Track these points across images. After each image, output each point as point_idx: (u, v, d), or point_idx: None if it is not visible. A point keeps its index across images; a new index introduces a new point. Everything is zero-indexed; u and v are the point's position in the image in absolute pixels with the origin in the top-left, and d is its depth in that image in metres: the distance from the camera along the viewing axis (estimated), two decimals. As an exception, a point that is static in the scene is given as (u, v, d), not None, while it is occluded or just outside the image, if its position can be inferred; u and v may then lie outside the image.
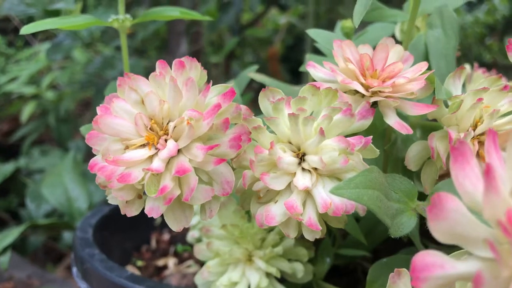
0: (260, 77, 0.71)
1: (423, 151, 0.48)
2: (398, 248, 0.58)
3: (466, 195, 0.32)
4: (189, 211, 0.41)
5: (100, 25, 0.61)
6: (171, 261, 0.75)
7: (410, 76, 0.44)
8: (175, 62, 0.41)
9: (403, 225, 0.44)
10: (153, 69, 0.42)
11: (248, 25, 1.69)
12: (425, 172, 0.48)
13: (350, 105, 0.42)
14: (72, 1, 1.06)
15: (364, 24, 0.80)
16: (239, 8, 1.48)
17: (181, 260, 0.76)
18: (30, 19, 1.25)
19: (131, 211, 0.41)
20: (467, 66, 0.72)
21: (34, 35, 1.77)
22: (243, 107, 0.43)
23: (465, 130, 0.46)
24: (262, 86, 0.81)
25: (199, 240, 0.68)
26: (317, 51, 0.83)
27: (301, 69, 0.70)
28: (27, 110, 1.49)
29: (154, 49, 1.85)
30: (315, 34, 0.56)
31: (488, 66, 0.83)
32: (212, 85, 0.42)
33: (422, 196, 0.47)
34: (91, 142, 0.41)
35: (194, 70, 0.42)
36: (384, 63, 0.47)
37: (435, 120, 0.49)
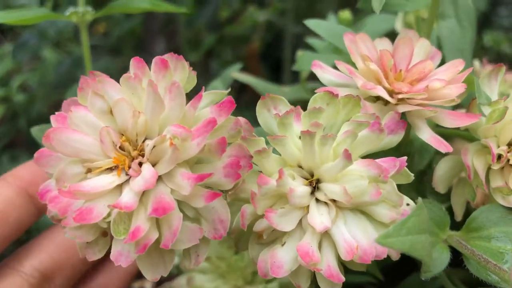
0: (245, 77, 0.59)
1: (453, 169, 0.37)
2: (405, 271, 0.48)
3: None
4: (169, 256, 0.29)
5: (55, 19, 0.48)
6: (147, 284, 0.63)
7: (447, 78, 0.33)
8: (155, 60, 0.29)
9: (435, 262, 0.33)
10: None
11: (227, 22, 1.57)
12: (456, 194, 0.37)
13: (378, 117, 0.30)
14: (35, -3, 0.91)
15: (360, 15, 0.69)
16: (216, 5, 1.36)
17: (159, 281, 0.64)
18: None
19: (93, 254, 0.29)
20: (477, 63, 0.61)
21: (3, 34, 1.60)
22: (242, 121, 0.31)
23: (506, 142, 0.35)
24: (243, 84, 0.70)
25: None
26: (301, 47, 0.71)
27: (294, 68, 0.59)
28: (-5, 114, 1.32)
29: (130, 48, 1.71)
30: (314, 25, 0.44)
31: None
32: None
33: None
34: (41, 163, 0.29)
35: (181, 71, 0.30)
36: (408, 61, 0.36)
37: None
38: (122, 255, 0.28)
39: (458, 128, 0.36)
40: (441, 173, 0.37)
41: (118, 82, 0.29)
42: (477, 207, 0.35)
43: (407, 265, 0.44)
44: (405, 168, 0.30)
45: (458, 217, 0.37)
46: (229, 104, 0.28)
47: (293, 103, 0.62)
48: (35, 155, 0.29)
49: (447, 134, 0.42)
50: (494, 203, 0.35)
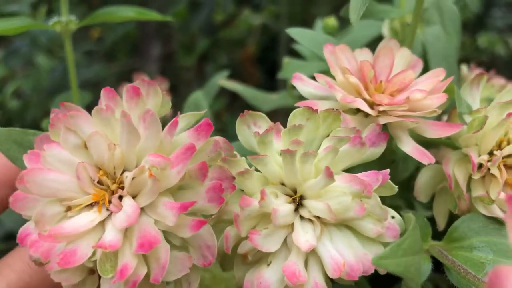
0: (232, 85, 0.58)
1: (434, 178, 0.36)
2: (392, 280, 0.47)
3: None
4: None
5: (39, 28, 0.47)
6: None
7: (427, 88, 0.32)
8: (126, 88, 0.28)
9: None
10: (125, 76, 0.29)
11: (221, 26, 1.56)
12: (438, 204, 0.37)
13: (358, 131, 0.29)
14: (27, 4, 0.90)
15: (346, 22, 0.68)
16: (210, 9, 1.34)
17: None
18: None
19: (81, 293, 0.28)
20: (465, 68, 0.61)
21: (-2, 40, 1.58)
22: (221, 141, 0.30)
23: (487, 151, 0.34)
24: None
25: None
26: (293, 53, 0.70)
27: (280, 76, 0.58)
28: (-11, 120, 1.32)
29: (125, 53, 1.69)
30: (297, 34, 0.44)
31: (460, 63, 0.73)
32: (184, 91, 0.29)
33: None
34: (17, 206, 0.27)
35: (153, 97, 0.29)
36: (389, 72, 0.35)
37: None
38: None
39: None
40: (423, 182, 0.36)
41: (115, 89, 0.28)
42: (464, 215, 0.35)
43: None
44: (389, 180, 0.29)
45: (441, 226, 0.37)
46: (206, 127, 0.27)
47: (282, 110, 0.61)
48: (10, 199, 0.28)
49: (432, 142, 0.41)
50: (475, 212, 0.34)
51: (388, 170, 0.29)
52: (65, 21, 0.49)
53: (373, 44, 0.52)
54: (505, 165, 0.34)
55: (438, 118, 0.40)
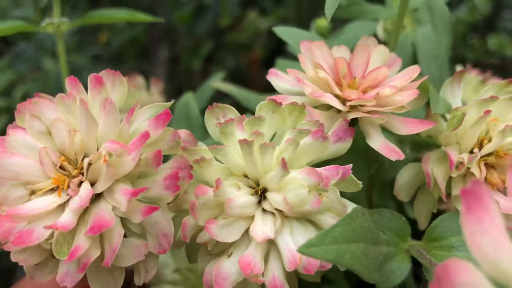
0: (226, 87, 0.60)
1: (416, 177, 0.37)
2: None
3: (486, 260, 0.21)
4: (119, 273, 0.30)
5: (31, 30, 0.50)
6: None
7: (398, 85, 0.33)
8: (90, 77, 0.30)
9: (394, 273, 0.32)
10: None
11: (228, 29, 1.59)
12: (419, 203, 0.37)
13: (321, 124, 0.30)
14: (32, 8, 0.94)
15: (342, 23, 0.69)
16: (215, 13, 1.37)
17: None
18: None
19: (43, 276, 0.30)
20: (460, 69, 0.61)
21: (7, 45, 1.64)
22: (184, 133, 0.31)
23: (468, 150, 0.35)
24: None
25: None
26: (295, 57, 0.71)
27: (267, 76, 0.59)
28: (-1, 125, 1.36)
29: (132, 56, 1.74)
30: (283, 33, 0.45)
31: (471, 66, 0.74)
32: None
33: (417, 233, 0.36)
34: None
35: (119, 88, 0.31)
36: (365, 68, 0.36)
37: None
38: (68, 275, 0.28)
39: (418, 135, 0.36)
40: (403, 181, 0.37)
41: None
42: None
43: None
44: (351, 175, 0.30)
45: (422, 225, 0.37)
46: (165, 116, 0.29)
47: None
48: None
49: (419, 142, 0.41)
50: (455, 211, 0.35)
51: (350, 166, 0.30)
52: (57, 22, 0.51)
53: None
54: (486, 164, 0.35)
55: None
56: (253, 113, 0.33)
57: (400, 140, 0.43)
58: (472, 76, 0.59)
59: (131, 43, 1.60)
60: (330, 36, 0.58)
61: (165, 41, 1.41)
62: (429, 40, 0.48)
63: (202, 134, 0.56)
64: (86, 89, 0.30)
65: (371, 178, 0.43)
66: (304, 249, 0.25)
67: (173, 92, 1.33)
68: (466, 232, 0.21)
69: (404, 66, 0.47)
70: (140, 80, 0.67)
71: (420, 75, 0.47)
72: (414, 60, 0.48)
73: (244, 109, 0.47)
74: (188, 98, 0.53)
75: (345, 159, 0.36)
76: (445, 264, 0.19)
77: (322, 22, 0.54)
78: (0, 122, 1.37)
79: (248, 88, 0.66)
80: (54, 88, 1.29)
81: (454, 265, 0.19)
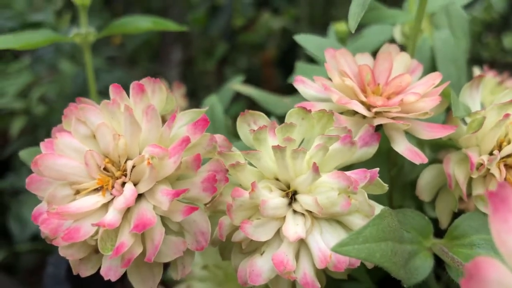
0: (246, 89, 0.61)
1: (437, 178, 0.39)
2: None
3: (511, 258, 0.23)
4: (157, 269, 0.32)
5: (60, 41, 0.52)
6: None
7: (421, 91, 0.35)
8: (133, 85, 0.32)
9: (418, 270, 0.35)
10: None
11: (240, 30, 1.60)
12: (440, 203, 0.39)
13: (349, 130, 0.32)
14: (52, 13, 0.97)
15: (360, 26, 0.71)
16: (229, 14, 1.39)
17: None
18: (11, 32, 1.16)
19: (86, 270, 0.32)
20: (477, 70, 0.62)
21: (23, 48, 1.65)
22: (220, 138, 0.33)
23: (488, 151, 0.37)
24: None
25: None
26: (311, 58, 0.73)
27: (290, 80, 0.61)
28: (16, 126, 1.41)
29: (146, 58, 1.76)
30: (304, 40, 0.47)
31: (486, 64, 0.75)
32: (203, 95, 0.33)
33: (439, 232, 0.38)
34: (32, 187, 0.32)
35: (158, 94, 0.33)
36: (388, 75, 0.37)
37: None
38: (111, 270, 0.31)
39: (440, 138, 0.38)
40: (425, 182, 0.38)
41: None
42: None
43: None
44: (378, 178, 0.32)
45: (444, 225, 0.39)
46: (203, 122, 0.31)
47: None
48: (27, 180, 0.32)
49: (438, 144, 0.43)
50: (476, 211, 0.36)
51: (377, 169, 0.32)
52: (84, 33, 0.53)
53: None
54: (506, 165, 0.36)
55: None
56: (273, 115, 0.35)
57: (420, 142, 0.45)
58: (489, 77, 0.61)
59: (144, 45, 1.62)
60: (349, 40, 0.60)
61: (178, 43, 1.43)
62: (447, 44, 0.49)
63: (226, 135, 0.58)
64: (108, 90, 0.32)
65: (392, 180, 0.45)
66: (337, 248, 0.27)
67: (187, 93, 1.35)
68: (493, 231, 0.23)
69: (423, 70, 0.49)
70: (183, 89, 0.69)
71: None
72: (432, 64, 0.50)
73: (262, 111, 0.49)
74: (213, 100, 0.55)
75: (368, 162, 0.38)
76: (475, 261, 0.20)
77: (341, 27, 0.56)
78: (18, 123, 1.40)
79: (261, 88, 0.68)
80: (71, 91, 1.32)
81: (484, 262, 0.21)
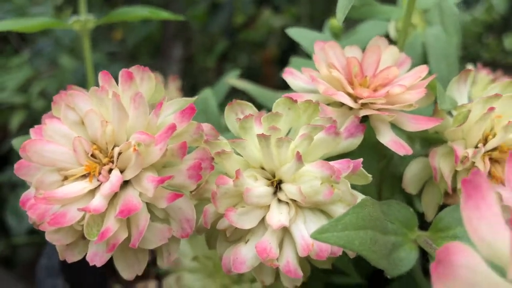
0: (242, 84, 0.62)
1: (424, 171, 0.39)
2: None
3: (483, 244, 0.23)
4: (142, 255, 0.33)
5: (59, 26, 0.53)
6: (151, 285, 0.67)
7: (407, 84, 0.35)
8: (121, 72, 0.33)
9: (402, 261, 0.35)
10: None
11: (241, 28, 1.61)
12: (426, 196, 0.39)
13: (334, 121, 0.33)
14: (50, 6, 0.98)
15: (354, 23, 0.72)
16: (230, 11, 1.40)
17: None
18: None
19: (73, 256, 0.33)
20: (470, 67, 0.63)
21: (24, 41, 1.68)
22: (207, 127, 0.34)
23: (473, 145, 0.37)
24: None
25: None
26: (309, 56, 0.74)
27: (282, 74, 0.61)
28: (16, 120, 1.42)
29: (147, 54, 1.77)
30: (298, 34, 0.47)
31: (487, 65, 0.75)
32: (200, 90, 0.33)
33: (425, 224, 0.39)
34: (20, 173, 0.32)
35: (147, 82, 0.33)
36: (375, 68, 0.38)
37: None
38: (97, 255, 0.31)
39: (426, 131, 0.38)
40: (411, 174, 0.39)
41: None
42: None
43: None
44: (362, 169, 0.32)
45: (429, 217, 0.39)
46: (190, 110, 0.31)
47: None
48: (15, 166, 0.33)
49: (428, 138, 0.44)
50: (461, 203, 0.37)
51: (360, 160, 0.32)
52: (83, 19, 0.54)
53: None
54: (491, 159, 0.37)
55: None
56: (268, 109, 0.35)
57: (410, 137, 0.45)
58: (483, 75, 0.61)
59: (145, 41, 1.63)
60: (344, 35, 0.61)
61: (179, 39, 1.44)
62: (439, 40, 0.50)
63: (219, 128, 0.58)
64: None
65: (381, 172, 0.45)
66: (317, 235, 0.27)
67: (188, 89, 1.36)
68: (465, 217, 0.23)
69: (414, 66, 0.50)
70: (158, 77, 0.70)
71: (430, 74, 0.50)
72: (424, 60, 0.50)
73: (259, 106, 0.49)
74: (207, 94, 0.56)
75: (356, 153, 0.38)
76: (446, 246, 0.21)
77: (336, 22, 0.57)
78: (18, 118, 1.41)
79: (261, 85, 0.68)
80: (71, 84, 1.32)
81: (454, 247, 0.21)
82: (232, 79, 0.65)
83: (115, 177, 0.30)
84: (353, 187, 0.34)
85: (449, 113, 0.39)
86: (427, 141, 0.45)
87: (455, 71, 0.50)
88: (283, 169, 0.32)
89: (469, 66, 0.61)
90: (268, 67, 1.53)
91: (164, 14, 0.57)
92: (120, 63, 1.52)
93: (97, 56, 1.45)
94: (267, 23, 1.73)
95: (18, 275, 1.09)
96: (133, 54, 1.68)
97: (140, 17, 0.56)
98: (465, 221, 0.23)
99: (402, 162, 0.46)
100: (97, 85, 0.33)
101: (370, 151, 0.44)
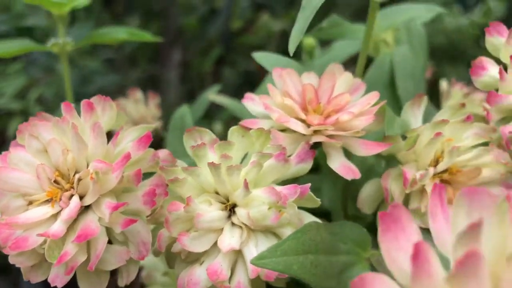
0: (220, 99, 0.64)
1: (378, 192, 0.41)
2: None
3: (401, 273, 0.25)
4: (104, 277, 0.35)
5: (38, 50, 0.55)
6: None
7: (356, 111, 0.37)
8: (83, 103, 0.35)
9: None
10: (145, 82, 0.36)
11: (239, 32, 1.63)
12: (381, 215, 0.41)
13: (284, 148, 0.35)
14: (43, 17, 1.01)
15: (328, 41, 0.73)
16: (227, 15, 1.42)
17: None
18: (3, 36, 1.20)
19: (37, 276, 0.35)
20: (444, 83, 0.64)
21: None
22: (164, 153, 0.36)
23: (425, 167, 0.39)
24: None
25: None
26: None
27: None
28: (14, 126, 1.45)
29: (145, 60, 1.79)
30: (260, 58, 0.49)
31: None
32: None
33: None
34: None
35: (108, 112, 0.36)
36: (330, 94, 0.40)
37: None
38: (58, 277, 0.33)
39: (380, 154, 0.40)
40: (366, 195, 0.41)
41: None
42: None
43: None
44: (310, 193, 0.35)
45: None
46: (146, 139, 0.34)
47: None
48: None
49: (393, 158, 0.46)
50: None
51: (308, 185, 0.34)
52: (62, 42, 0.57)
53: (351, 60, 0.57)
54: (442, 180, 0.39)
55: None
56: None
57: (378, 156, 0.47)
58: (457, 89, 0.63)
59: (143, 47, 1.66)
60: (323, 49, 0.63)
61: (177, 45, 1.46)
62: (406, 59, 0.51)
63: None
64: (107, 92, 0.35)
65: (346, 191, 0.47)
66: (255, 261, 0.30)
67: (186, 94, 1.38)
68: (383, 249, 0.25)
69: (382, 84, 0.52)
70: (139, 94, 0.72)
71: (397, 92, 0.51)
72: (392, 79, 0.52)
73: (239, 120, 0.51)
74: (184, 111, 0.58)
75: (321, 174, 0.40)
76: (360, 277, 0.23)
77: (309, 41, 0.59)
78: (15, 124, 1.45)
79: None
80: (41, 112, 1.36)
81: (368, 277, 0.23)
82: (212, 94, 0.67)
83: (74, 203, 0.33)
84: (320, 207, 0.36)
85: (403, 136, 0.41)
86: (394, 161, 0.47)
87: (421, 90, 0.52)
88: (236, 194, 0.34)
89: (443, 83, 0.63)
90: (264, 72, 1.55)
91: (144, 36, 0.59)
92: (118, 70, 1.55)
93: (94, 64, 1.48)
94: (266, 27, 1.75)
95: (13, 282, 1.12)
96: (131, 60, 1.70)
97: (117, 40, 0.58)
98: (383, 252, 0.25)
99: (363, 181, 0.48)
100: (78, 104, 0.35)
101: (334, 171, 0.46)
